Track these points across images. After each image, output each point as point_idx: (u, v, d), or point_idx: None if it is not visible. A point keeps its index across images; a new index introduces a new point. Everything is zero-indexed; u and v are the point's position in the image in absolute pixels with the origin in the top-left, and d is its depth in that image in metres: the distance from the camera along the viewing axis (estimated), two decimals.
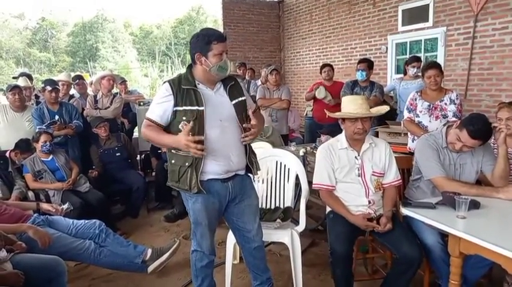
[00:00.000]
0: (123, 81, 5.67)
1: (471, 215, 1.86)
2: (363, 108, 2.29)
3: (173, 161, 2.05)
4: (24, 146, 3.75)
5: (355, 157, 2.36)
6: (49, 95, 4.06)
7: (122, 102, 4.81)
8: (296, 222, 2.71)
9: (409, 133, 3.41)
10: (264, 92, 4.84)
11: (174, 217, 4.01)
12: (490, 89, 4.85)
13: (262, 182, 2.85)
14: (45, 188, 3.55)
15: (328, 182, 2.37)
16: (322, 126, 4.55)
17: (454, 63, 5.21)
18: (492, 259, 1.72)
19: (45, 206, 3.05)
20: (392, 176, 2.39)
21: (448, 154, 2.35)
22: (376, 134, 4.11)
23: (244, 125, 2.04)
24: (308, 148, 3.79)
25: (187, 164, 1.99)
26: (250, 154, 2.17)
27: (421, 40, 5.75)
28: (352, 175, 2.34)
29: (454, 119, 3.06)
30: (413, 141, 3.29)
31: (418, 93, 3.27)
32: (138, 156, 4.95)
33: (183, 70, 2.48)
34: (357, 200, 2.33)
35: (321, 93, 4.77)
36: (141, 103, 5.01)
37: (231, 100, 2.08)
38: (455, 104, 3.14)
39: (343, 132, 2.42)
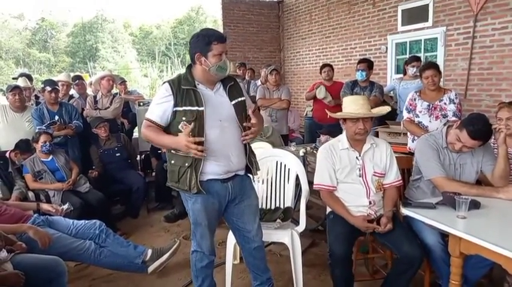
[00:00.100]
0: (123, 82, 5.68)
1: (471, 215, 1.86)
2: (364, 108, 2.29)
3: (173, 162, 2.05)
4: (24, 146, 3.76)
5: (356, 158, 2.36)
6: (49, 96, 4.06)
7: (121, 103, 4.82)
8: (296, 222, 2.71)
9: (408, 133, 3.41)
10: (264, 92, 4.84)
11: (174, 217, 4.01)
12: (489, 89, 4.85)
13: (263, 183, 2.85)
14: (45, 188, 3.55)
15: (329, 182, 2.36)
16: (322, 127, 4.56)
17: (454, 63, 5.21)
18: (492, 259, 1.72)
19: (45, 206, 3.05)
20: (393, 176, 2.39)
21: (448, 154, 2.35)
22: (376, 134, 4.11)
23: (244, 124, 2.04)
24: (308, 148, 3.79)
25: (187, 164, 1.99)
26: (249, 154, 2.16)
27: (420, 40, 5.75)
28: (353, 176, 2.34)
29: (454, 118, 3.06)
30: (413, 142, 3.29)
31: (417, 94, 3.27)
32: (138, 156, 4.95)
33: (182, 70, 2.47)
34: (357, 201, 2.33)
35: (321, 93, 4.77)
36: (141, 103, 5.01)
37: (231, 100, 2.08)
38: (454, 103, 3.14)
39: (344, 132, 2.42)
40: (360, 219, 2.25)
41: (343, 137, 2.42)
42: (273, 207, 2.84)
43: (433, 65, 3.21)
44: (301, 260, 2.53)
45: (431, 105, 3.18)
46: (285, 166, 2.87)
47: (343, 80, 5.12)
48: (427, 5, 5.45)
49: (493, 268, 2.29)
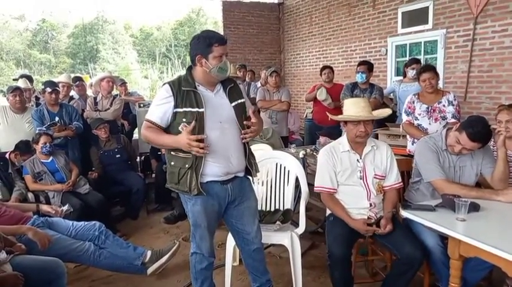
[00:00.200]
0: (123, 83, 5.67)
1: (471, 218, 1.86)
2: (365, 111, 2.29)
3: (172, 163, 2.05)
4: (24, 147, 3.76)
5: (357, 160, 2.36)
6: (49, 97, 4.07)
7: (121, 104, 4.82)
8: (296, 224, 2.70)
9: (408, 135, 3.41)
10: (264, 94, 4.84)
11: (173, 219, 4.01)
12: (489, 92, 4.85)
13: (262, 184, 2.85)
14: (45, 189, 3.55)
15: (330, 185, 2.36)
16: (322, 128, 4.56)
17: (454, 66, 5.21)
18: (492, 262, 1.72)
19: (45, 207, 3.06)
20: (394, 178, 2.39)
21: (447, 156, 2.36)
22: (376, 136, 4.11)
23: (244, 122, 2.05)
24: (308, 150, 3.80)
25: (187, 166, 1.99)
26: (249, 155, 2.17)
27: (420, 42, 5.76)
28: (354, 178, 2.34)
29: (453, 120, 3.07)
30: (413, 144, 3.29)
31: (416, 96, 3.27)
32: (138, 158, 4.96)
33: (183, 72, 2.48)
34: (358, 203, 2.33)
35: (322, 94, 4.78)
36: (141, 105, 5.01)
37: (231, 102, 2.09)
38: (453, 105, 3.15)
39: (345, 135, 2.42)
40: (360, 222, 2.25)
41: (343, 140, 2.42)
42: (272, 209, 2.84)
43: (430, 68, 3.22)
44: (300, 262, 2.53)
45: (430, 108, 3.18)
46: (284, 167, 2.87)
47: (343, 82, 5.12)
48: (427, 7, 5.46)
49: (493, 270, 2.29)
